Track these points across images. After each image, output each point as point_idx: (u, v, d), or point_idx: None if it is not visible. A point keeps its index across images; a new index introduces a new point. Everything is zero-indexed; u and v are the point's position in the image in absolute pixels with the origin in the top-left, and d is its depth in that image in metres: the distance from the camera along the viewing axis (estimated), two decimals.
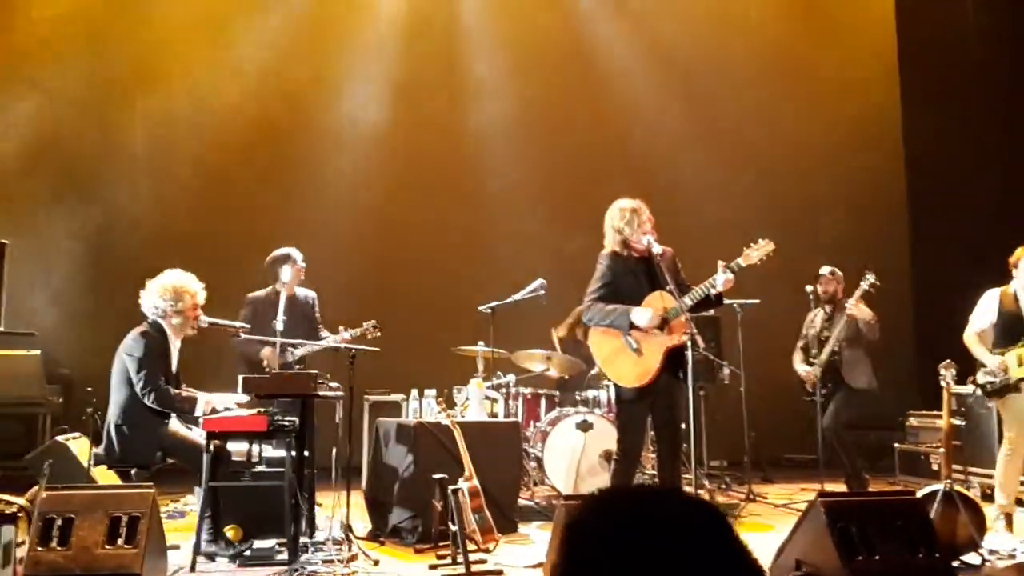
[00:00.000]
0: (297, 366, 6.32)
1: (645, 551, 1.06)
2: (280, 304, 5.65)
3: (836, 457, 6.71)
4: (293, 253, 6.40)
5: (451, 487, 4.84)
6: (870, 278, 6.49)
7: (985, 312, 5.76)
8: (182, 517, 6.18)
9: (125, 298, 5.57)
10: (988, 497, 6.02)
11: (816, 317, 6.92)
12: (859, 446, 6.92)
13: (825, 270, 6.91)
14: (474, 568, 4.53)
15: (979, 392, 5.92)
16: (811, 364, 6.76)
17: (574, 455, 6.36)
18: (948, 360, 5.08)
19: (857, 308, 6.52)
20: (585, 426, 6.41)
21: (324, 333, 6.47)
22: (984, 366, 5.64)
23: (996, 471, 5.69)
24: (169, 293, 5.12)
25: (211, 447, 4.74)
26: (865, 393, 6.68)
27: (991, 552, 4.70)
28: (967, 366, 5.74)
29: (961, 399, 6.78)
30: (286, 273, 5.99)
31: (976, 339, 5.74)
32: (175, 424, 5.08)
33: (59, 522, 3.83)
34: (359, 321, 6.37)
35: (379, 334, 6.29)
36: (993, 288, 5.79)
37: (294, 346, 6.23)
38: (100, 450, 5.09)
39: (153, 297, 5.13)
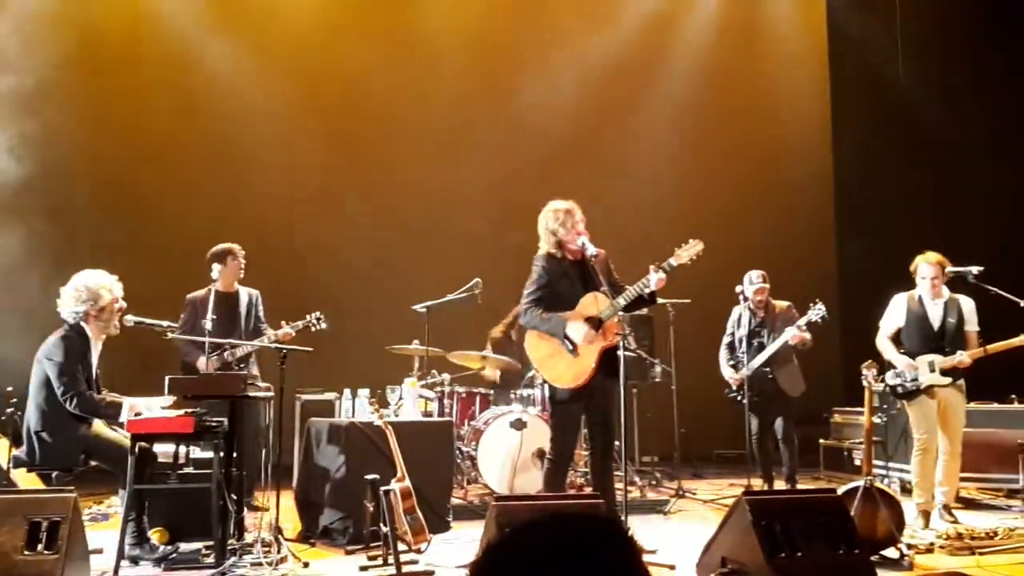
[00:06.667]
0: (239, 366, 6.18)
1: None
2: (209, 302, 5.52)
3: (770, 458, 6.81)
4: (227, 249, 6.27)
5: (383, 488, 4.82)
6: (821, 311, 6.57)
7: (894, 316, 6.08)
8: (106, 519, 6.04)
9: (46, 298, 5.38)
10: (908, 491, 6.24)
11: (743, 317, 6.83)
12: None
13: (755, 275, 6.83)
14: (405, 569, 4.52)
15: (889, 392, 6.21)
16: (735, 364, 6.80)
17: (508, 454, 6.39)
18: (870, 360, 5.25)
19: (803, 334, 6.57)
20: (519, 425, 6.44)
21: (268, 332, 6.28)
22: (895, 367, 5.90)
23: (911, 471, 5.91)
24: (85, 294, 4.90)
25: (136, 449, 4.62)
26: (798, 399, 6.82)
27: (909, 547, 4.85)
28: (888, 366, 5.99)
29: (883, 397, 6.99)
30: (215, 271, 5.84)
31: (887, 342, 6.04)
32: (99, 425, 4.92)
33: None
34: (299, 315, 6.24)
35: (324, 327, 6.14)
36: (900, 293, 6.08)
37: (226, 347, 6.08)
38: (20, 453, 4.92)
39: (70, 302, 4.91)
